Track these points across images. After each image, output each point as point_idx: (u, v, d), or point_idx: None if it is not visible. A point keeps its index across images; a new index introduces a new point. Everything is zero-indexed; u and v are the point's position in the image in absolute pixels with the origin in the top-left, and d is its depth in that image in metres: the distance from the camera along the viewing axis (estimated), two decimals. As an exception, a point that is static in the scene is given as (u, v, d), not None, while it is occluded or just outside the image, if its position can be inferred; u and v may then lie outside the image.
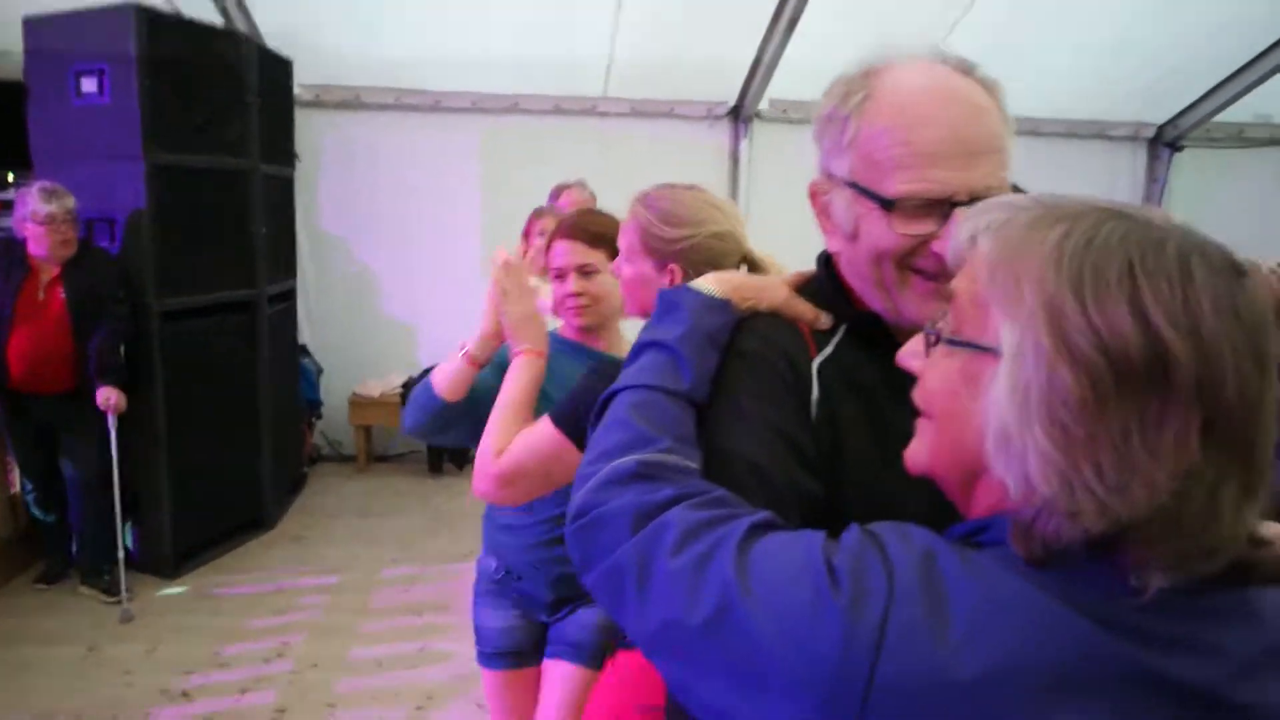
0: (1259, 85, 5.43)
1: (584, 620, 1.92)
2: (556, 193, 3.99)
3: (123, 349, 3.71)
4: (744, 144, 5.77)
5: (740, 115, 5.72)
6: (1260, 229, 5.89)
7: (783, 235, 4.96)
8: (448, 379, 1.75)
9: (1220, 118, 5.81)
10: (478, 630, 2.04)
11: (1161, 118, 5.98)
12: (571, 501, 0.87)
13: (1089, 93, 5.70)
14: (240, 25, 4.62)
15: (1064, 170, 5.97)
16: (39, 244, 3.52)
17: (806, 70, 5.19)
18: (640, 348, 1.03)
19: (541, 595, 1.95)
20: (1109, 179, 6.13)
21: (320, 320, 5.64)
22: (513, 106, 5.59)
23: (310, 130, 5.36)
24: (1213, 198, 6.02)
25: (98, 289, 3.64)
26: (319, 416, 5.55)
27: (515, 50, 5.16)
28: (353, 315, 5.71)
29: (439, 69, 5.32)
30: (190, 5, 4.40)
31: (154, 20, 3.76)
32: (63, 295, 3.59)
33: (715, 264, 1.43)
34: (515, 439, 1.50)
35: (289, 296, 5.00)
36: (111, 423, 3.64)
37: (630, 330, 1.44)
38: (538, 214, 3.38)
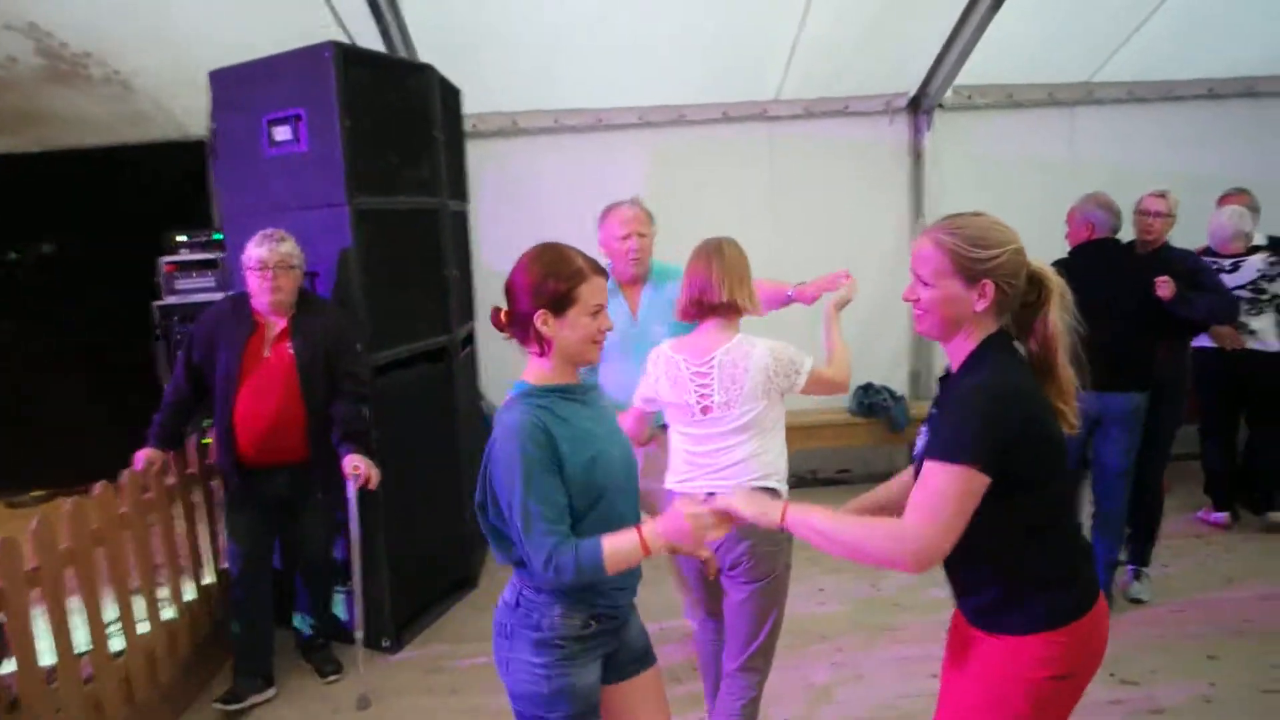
0: None
1: (637, 627, 2.07)
2: (605, 214, 3.36)
3: (367, 410, 3.40)
4: (926, 136, 5.33)
5: (921, 106, 5.29)
6: None
7: None
8: (621, 561, 1.77)
9: None
10: (571, 697, 1.88)
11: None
12: None
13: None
14: (402, 52, 4.38)
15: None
16: (260, 294, 3.23)
17: (991, 53, 4.82)
18: None
19: (630, 622, 2.05)
20: None
21: (493, 364, 5.36)
22: (679, 118, 5.26)
23: (470, 161, 5.10)
24: None
25: (328, 343, 3.33)
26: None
27: (679, 58, 4.83)
28: (524, 356, 5.40)
29: (599, 85, 5.02)
30: (360, 36, 4.19)
31: (351, 57, 3.50)
32: (291, 351, 3.29)
33: (1017, 276, 1.70)
34: (912, 509, 1.60)
35: (470, 340, 4.72)
36: (353, 494, 3.30)
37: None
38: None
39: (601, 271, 1.89)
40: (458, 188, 4.39)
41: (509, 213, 5.27)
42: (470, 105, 4.87)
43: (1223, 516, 4.70)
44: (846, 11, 4.52)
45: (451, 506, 4.17)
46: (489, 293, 5.28)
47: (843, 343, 2.69)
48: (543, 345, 1.86)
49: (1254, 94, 5.42)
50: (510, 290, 1.88)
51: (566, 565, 1.73)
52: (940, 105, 5.25)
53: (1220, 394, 4.56)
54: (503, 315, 1.91)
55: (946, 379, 1.81)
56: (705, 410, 2.49)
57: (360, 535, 3.36)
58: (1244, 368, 4.43)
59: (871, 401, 5.42)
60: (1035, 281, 1.73)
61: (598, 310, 1.87)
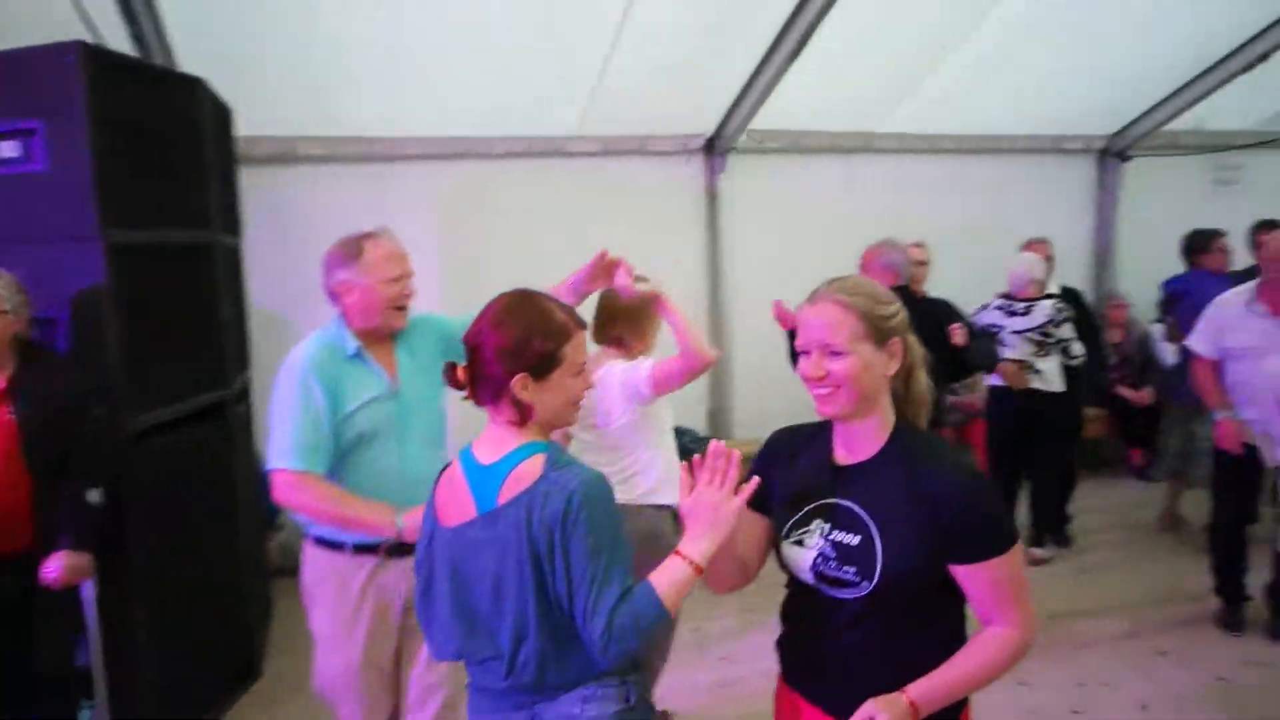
0: (1203, 99, 5.61)
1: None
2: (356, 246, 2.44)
3: (98, 495, 2.72)
4: (722, 178, 5.39)
5: (716, 148, 5.34)
6: (1190, 220, 6.13)
7: (762, 273, 4.61)
8: (678, 593, 1.55)
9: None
10: None
11: (1111, 130, 6.10)
12: None
13: (1047, 110, 5.72)
14: (160, 61, 3.81)
15: (1024, 182, 5.99)
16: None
17: (783, 99, 4.96)
18: None
19: None
20: (1065, 189, 6.21)
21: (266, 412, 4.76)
22: (471, 152, 4.98)
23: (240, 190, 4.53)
24: (1155, 201, 6.22)
25: (60, 406, 2.70)
26: (277, 528, 4.66)
27: (474, 88, 4.57)
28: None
29: (387, 112, 4.65)
30: (110, 39, 3.58)
31: (103, 62, 2.94)
32: (12, 417, 2.64)
33: (909, 332, 1.64)
34: (995, 609, 1.56)
35: (247, 393, 4.15)
36: (90, 596, 2.71)
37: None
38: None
39: (583, 325, 1.68)
40: (230, 220, 3.86)
41: (282, 249, 4.71)
42: (240, 127, 4.33)
43: None
44: (649, 50, 4.46)
45: (229, 587, 3.59)
46: (265, 339, 4.71)
47: (685, 321, 2.64)
48: (522, 413, 1.60)
49: (996, 151, 5.95)
50: (478, 349, 1.62)
51: (624, 624, 1.47)
52: (734, 148, 5.33)
53: (1008, 432, 4.81)
54: (459, 372, 1.65)
55: (852, 468, 1.63)
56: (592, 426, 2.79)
57: (102, 640, 2.78)
58: (1030, 406, 4.68)
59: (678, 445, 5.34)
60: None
61: (581, 369, 1.66)
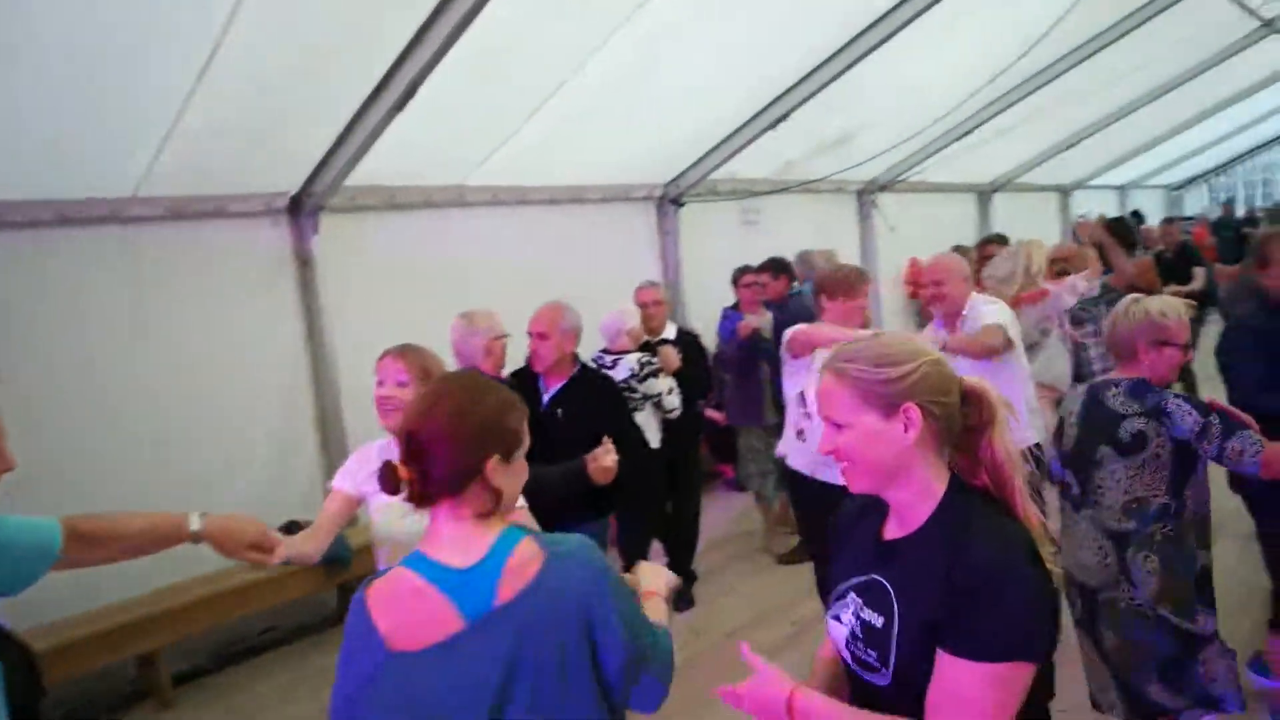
0: (737, 153, 6.46)
1: None
2: None
3: None
4: (315, 240, 4.88)
5: (305, 208, 4.82)
6: (733, 258, 7.04)
7: (366, 331, 4.44)
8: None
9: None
10: None
11: (666, 179, 6.72)
12: None
13: (618, 162, 6.13)
14: None
15: (601, 227, 6.37)
16: None
17: (383, 154, 4.65)
18: None
19: None
20: (633, 232, 6.71)
21: None
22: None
23: None
24: (705, 241, 7.02)
25: None
26: None
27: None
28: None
29: None
30: None
31: None
32: None
33: (946, 391, 1.45)
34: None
35: None
36: None
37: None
38: None
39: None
40: None
41: None
42: None
43: None
44: (225, 103, 3.87)
45: None
46: None
47: None
48: (495, 499, 1.48)
49: (579, 201, 6.24)
50: (433, 441, 1.45)
51: (666, 652, 1.59)
52: (326, 207, 4.86)
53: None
54: (402, 471, 1.44)
55: (895, 543, 1.50)
56: None
57: None
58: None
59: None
60: (972, 400, 1.48)
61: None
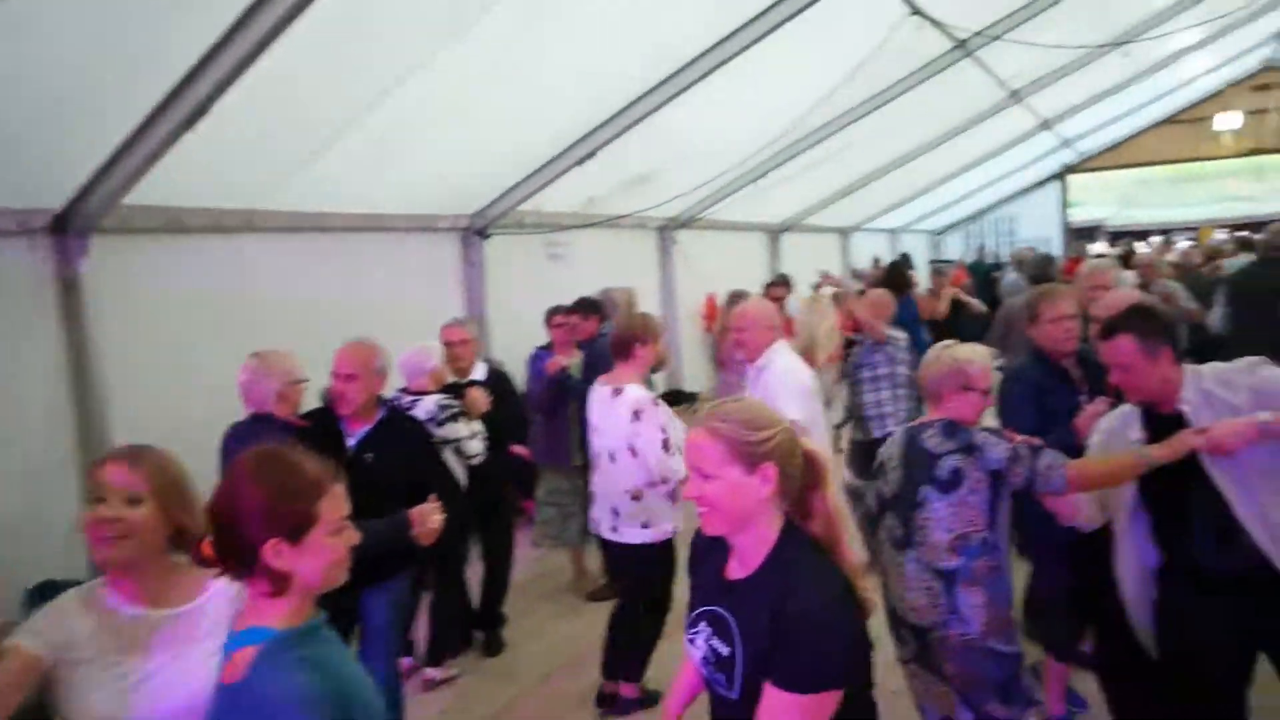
0: (545, 187, 6.46)
1: None
2: None
3: None
4: (83, 263, 4.39)
5: (72, 227, 4.33)
6: (538, 292, 7.04)
7: (148, 366, 4.13)
8: None
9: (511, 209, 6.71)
10: None
11: (472, 210, 6.61)
12: None
13: (422, 192, 5.98)
14: None
15: (406, 259, 6.17)
16: None
17: (166, 174, 4.27)
18: None
19: None
20: (438, 265, 6.54)
21: None
22: None
23: None
24: (511, 274, 6.96)
25: None
26: None
27: None
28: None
29: None
30: None
31: None
32: None
33: (795, 454, 1.71)
34: None
35: None
36: None
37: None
38: None
39: (339, 479, 1.58)
40: None
41: None
42: None
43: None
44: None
45: None
46: None
47: None
48: (277, 582, 1.47)
49: (381, 229, 6.01)
50: (226, 516, 1.49)
51: None
52: (98, 228, 4.39)
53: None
54: (205, 547, 1.50)
55: (736, 583, 1.72)
56: None
57: None
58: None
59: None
60: (810, 462, 1.71)
61: (342, 527, 1.55)
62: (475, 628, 4.88)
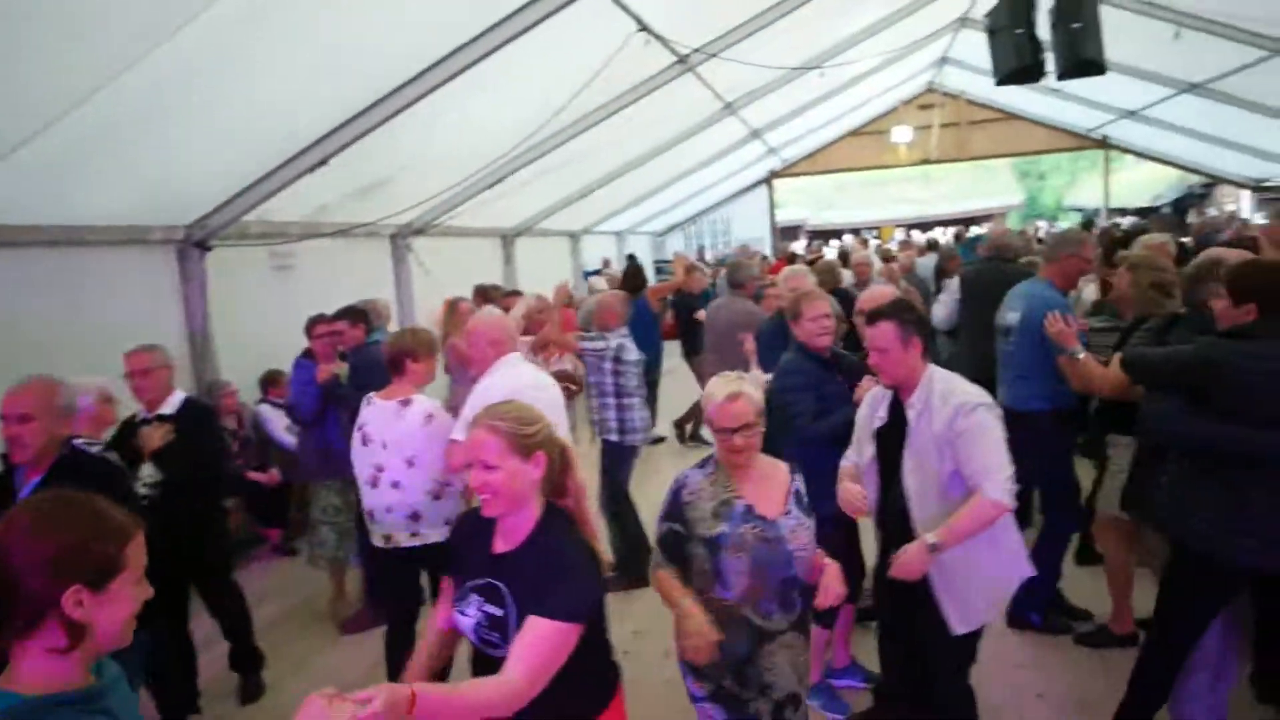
0: (272, 195, 6.05)
1: None
2: None
3: None
4: None
5: None
6: (267, 306, 6.65)
7: None
8: None
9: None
10: None
11: (188, 221, 6.06)
12: None
13: (128, 202, 5.40)
14: None
15: (108, 278, 5.55)
16: None
17: None
18: None
19: None
20: (152, 281, 5.95)
21: None
22: None
23: None
24: (237, 287, 6.48)
25: None
26: None
27: None
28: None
29: None
30: None
31: None
32: None
33: (555, 445, 2.10)
34: (519, 661, 1.82)
35: None
36: None
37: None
38: None
39: (141, 524, 1.48)
40: None
41: None
42: None
43: None
44: None
45: None
46: None
47: None
48: (74, 635, 1.34)
49: (81, 243, 5.36)
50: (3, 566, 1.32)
51: None
52: None
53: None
54: None
55: (504, 555, 2.04)
56: None
57: None
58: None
59: None
60: (561, 449, 2.10)
61: (142, 577, 1.46)
62: (233, 669, 4.52)
